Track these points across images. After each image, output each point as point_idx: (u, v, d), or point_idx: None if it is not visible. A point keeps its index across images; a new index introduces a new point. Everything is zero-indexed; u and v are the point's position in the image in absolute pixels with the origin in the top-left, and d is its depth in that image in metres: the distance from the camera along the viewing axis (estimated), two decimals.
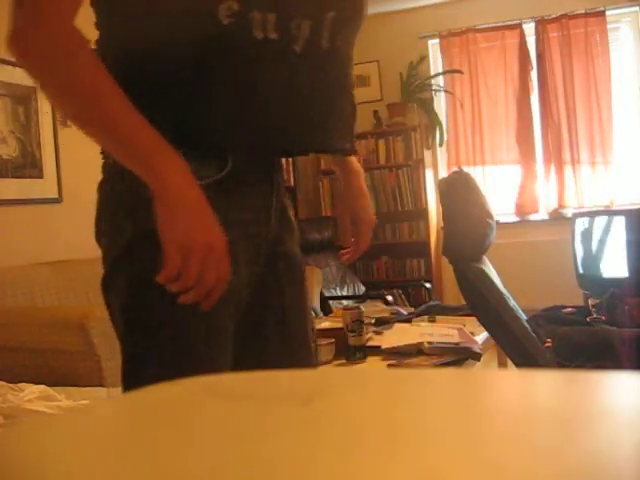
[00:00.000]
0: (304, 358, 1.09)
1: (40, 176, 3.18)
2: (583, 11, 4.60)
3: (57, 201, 3.26)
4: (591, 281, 3.78)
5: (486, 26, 4.86)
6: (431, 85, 5.22)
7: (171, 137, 0.87)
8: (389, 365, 2.05)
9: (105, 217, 1.08)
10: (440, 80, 5.22)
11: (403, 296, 5.09)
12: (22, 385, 2.13)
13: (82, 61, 0.89)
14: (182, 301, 0.85)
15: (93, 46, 0.99)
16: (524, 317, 2.18)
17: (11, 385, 2.14)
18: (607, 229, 3.74)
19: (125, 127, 0.87)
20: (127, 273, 0.97)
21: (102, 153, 1.07)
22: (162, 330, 0.95)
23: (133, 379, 0.97)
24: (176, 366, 0.93)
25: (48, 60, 0.88)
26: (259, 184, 1.01)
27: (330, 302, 4.46)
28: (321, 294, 4.10)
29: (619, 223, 3.56)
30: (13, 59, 0.89)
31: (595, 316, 2.99)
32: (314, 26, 0.91)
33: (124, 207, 1.01)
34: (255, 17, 0.87)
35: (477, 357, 2.16)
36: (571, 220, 4.05)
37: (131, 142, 0.87)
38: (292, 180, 5.06)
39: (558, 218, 4.74)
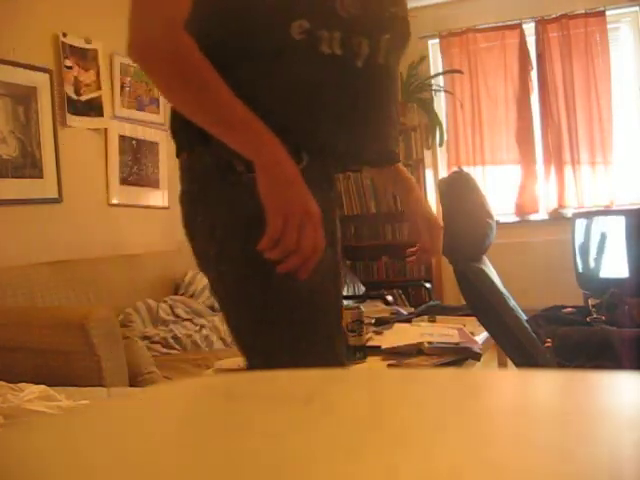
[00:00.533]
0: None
1: (40, 176, 3.17)
2: (583, 11, 4.60)
3: (57, 201, 3.26)
4: (591, 281, 3.78)
5: (486, 26, 4.86)
6: (431, 85, 5.22)
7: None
8: (389, 365, 2.05)
9: (199, 206, 1.07)
10: (440, 80, 5.22)
11: (403, 296, 5.09)
12: (22, 385, 2.13)
13: (193, 60, 0.97)
14: (281, 269, 0.93)
15: None
16: (524, 317, 2.18)
17: (11, 385, 2.14)
18: (607, 229, 3.74)
19: (233, 113, 0.95)
20: (237, 255, 1.02)
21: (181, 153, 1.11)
22: (276, 299, 1.01)
23: (256, 343, 1.04)
24: (295, 331, 1.01)
25: (166, 62, 0.99)
26: (321, 185, 1.09)
27: None
28: None
29: (619, 223, 3.56)
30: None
31: (595, 316, 2.99)
32: (372, 45, 1.03)
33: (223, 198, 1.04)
34: (323, 35, 0.99)
35: (477, 357, 2.15)
36: (571, 220, 4.05)
37: (238, 123, 0.95)
38: None
39: (558, 218, 4.74)
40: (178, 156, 1.10)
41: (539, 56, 4.73)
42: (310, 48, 0.99)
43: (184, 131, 1.05)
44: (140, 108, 3.86)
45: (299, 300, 1.01)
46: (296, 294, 1.00)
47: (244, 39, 1.01)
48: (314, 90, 1.02)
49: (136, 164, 3.81)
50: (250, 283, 1.01)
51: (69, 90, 3.34)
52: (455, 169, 2.43)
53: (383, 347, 2.19)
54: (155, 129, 3.97)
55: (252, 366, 1.05)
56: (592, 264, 3.80)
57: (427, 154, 5.22)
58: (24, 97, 3.11)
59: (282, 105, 1.01)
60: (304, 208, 0.94)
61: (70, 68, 3.36)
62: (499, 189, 4.86)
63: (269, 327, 1.02)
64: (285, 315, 1.01)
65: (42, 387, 2.07)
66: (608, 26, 4.62)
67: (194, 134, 1.00)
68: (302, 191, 0.95)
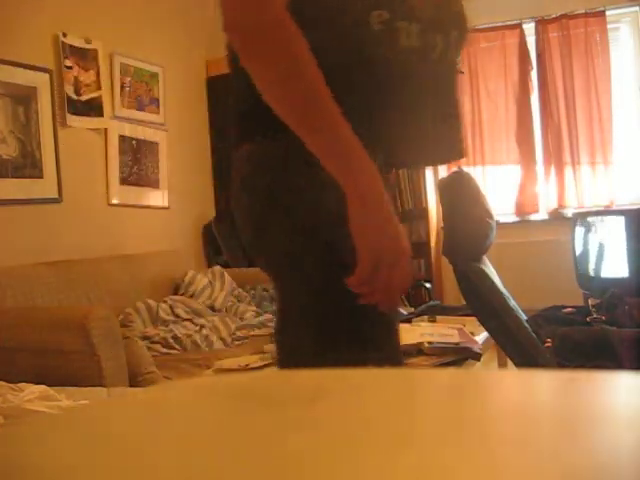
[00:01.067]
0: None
1: (40, 176, 3.17)
2: (583, 11, 4.59)
3: (57, 201, 3.26)
4: (591, 281, 3.78)
5: (486, 26, 4.86)
6: None
7: None
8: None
9: (270, 205, 1.03)
10: None
11: (403, 296, 5.08)
12: (22, 385, 2.13)
13: (297, 47, 0.90)
14: (364, 302, 0.88)
15: None
16: (524, 317, 2.18)
17: (11, 385, 2.14)
18: (607, 229, 3.74)
19: (330, 122, 0.89)
20: (316, 256, 0.97)
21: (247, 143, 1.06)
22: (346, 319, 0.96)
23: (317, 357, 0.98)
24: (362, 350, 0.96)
25: (268, 44, 0.91)
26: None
27: None
28: None
29: (619, 223, 3.56)
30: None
31: (595, 316, 2.99)
32: (444, 39, 1.03)
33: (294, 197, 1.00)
34: (401, 26, 0.98)
35: (477, 357, 2.15)
36: (571, 220, 4.05)
37: (334, 136, 0.89)
38: None
39: (558, 218, 4.74)
40: (239, 147, 1.05)
41: (539, 56, 4.73)
42: (389, 39, 0.98)
43: (252, 119, 1.01)
44: (140, 108, 3.86)
45: (373, 311, 0.96)
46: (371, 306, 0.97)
47: (323, 28, 0.97)
48: (395, 82, 1.00)
49: (136, 164, 3.81)
50: (322, 285, 0.96)
51: (69, 90, 3.34)
52: (455, 169, 2.43)
53: None
54: (155, 129, 3.97)
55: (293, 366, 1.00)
56: (592, 264, 3.80)
57: None
58: (24, 97, 3.11)
59: (362, 96, 0.98)
60: (398, 247, 0.89)
61: (70, 68, 3.36)
62: (499, 189, 4.86)
63: (336, 334, 0.97)
64: (357, 324, 0.97)
65: (42, 387, 2.07)
66: (608, 26, 4.61)
67: (265, 123, 0.96)
68: (397, 227, 0.90)
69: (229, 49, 1.04)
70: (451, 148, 1.12)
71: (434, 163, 1.20)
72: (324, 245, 0.95)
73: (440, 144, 1.08)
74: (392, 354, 1.01)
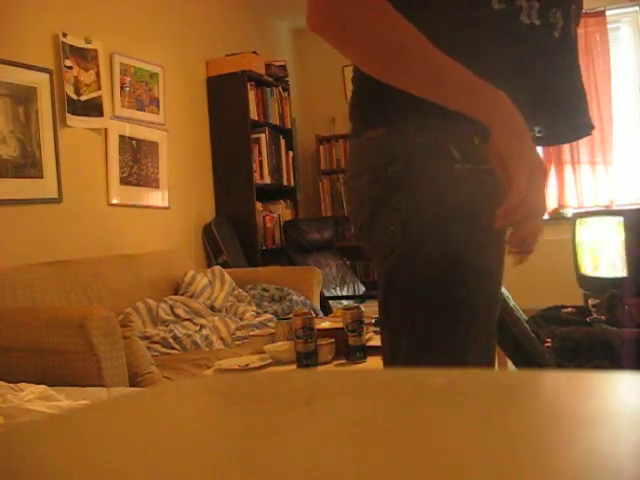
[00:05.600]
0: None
1: (40, 176, 3.17)
2: (583, 11, 4.59)
3: (57, 201, 3.26)
4: (591, 281, 3.78)
5: None
6: None
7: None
8: None
9: (384, 200, 0.98)
10: None
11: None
12: (22, 385, 2.13)
13: (394, 17, 0.89)
14: (513, 247, 0.87)
15: None
16: (524, 317, 2.18)
17: (11, 385, 2.14)
18: (607, 229, 3.74)
19: (449, 66, 0.87)
20: (435, 252, 0.93)
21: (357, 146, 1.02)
22: (469, 309, 0.94)
23: (422, 351, 0.96)
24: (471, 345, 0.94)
25: (369, 24, 0.89)
26: None
27: (330, 302, 4.46)
28: (321, 294, 4.10)
29: (619, 223, 3.56)
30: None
31: (595, 316, 2.99)
32: (565, 16, 1.00)
33: (415, 188, 0.95)
34: (522, 4, 0.95)
35: None
36: (571, 220, 4.05)
37: (460, 79, 0.87)
38: (292, 180, 5.07)
39: (558, 218, 4.74)
40: (362, 134, 1.00)
41: None
42: (509, 18, 0.95)
43: (378, 105, 0.97)
44: (140, 108, 3.86)
45: (487, 308, 0.95)
46: (486, 301, 0.95)
47: (441, 10, 0.95)
48: (515, 62, 0.97)
49: (136, 164, 3.81)
50: (439, 283, 0.92)
51: (69, 90, 3.34)
52: None
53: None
54: (155, 129, 3.97)
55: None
56: (592, 264, 3.80)
57: None
58: (24, 97, 3.11)
59: (481, 77, 0.93)
60: (544, 167, 0.87)
61: (70, 68, 3.36)
62: None
63: (449, 333, 0.94)
64: (470, 322, 0.94)
65: (42, 387, 2.07)
66: (608, 26, 4.62)
67: (394, 108, 0.93)
68: (537, 152, 0.88)
69: None
70: (576, 126, 1.08)
71: (564, 141, 1.16)
72: (443, 241, 0.92)
73: (568, 121, 1.05)
74: (483, 357, 0.97)
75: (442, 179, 0.93)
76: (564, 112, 1.03)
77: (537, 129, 1.03)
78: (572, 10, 1.03)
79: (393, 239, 0.95)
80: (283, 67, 5.01)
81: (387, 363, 1.01)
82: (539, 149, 0.95)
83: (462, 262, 0.91)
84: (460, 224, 0.91)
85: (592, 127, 1.10)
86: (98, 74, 3.54)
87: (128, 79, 3.78)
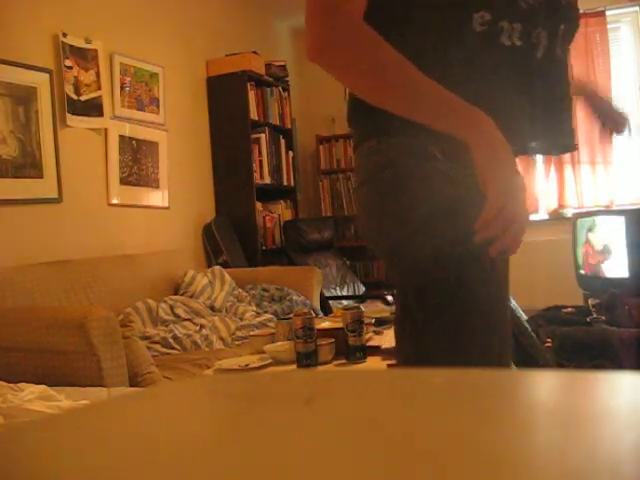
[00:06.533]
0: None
1: (40, 176, 3.17)
2: (583, 11, 4.60)
3: (57, 201, 3.26)
4: (591, 281, 3.78)
5: None
6: None
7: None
8: (389, 365, 2.05)
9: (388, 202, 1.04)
10: None
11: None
12: (22, 385, 2.13)
13: (376, 45, 0.94)
14: (492, 252, 0.90)
15: None
16: (524, 317, 2.18)
17: (11, 385, 2.14)
18: (607, 229, 3.74)
19: (428, 88, 0.92)
20: (428, 250, 0.98)
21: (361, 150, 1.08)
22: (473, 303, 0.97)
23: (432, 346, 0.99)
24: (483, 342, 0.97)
25: (355, 53, 0.95)
26: None
27: (330, 302, 4.46)
28: (321, 294, 4.10)
29: (619, 223, 3.56)
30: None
31: (595, 316, 2.99)
32: (550, 36, 1.02)
33: (411, 192, 1.01)
34: (504, 26, 0.98)
35: None
36: (571, 220, 4.05)
37: (438, 99, 0.92)
38: (292, 180, 5.07)
39: (558, 218, 4.74)
40: (360, 145, 1.07)
41: None
42: (490, 39, 0.98)
43: (370, 118, 1.03)
44: (140, 108, 3.86)
45: (488, 305, 0.98)
46: (486, 298, 0.98)
47: (425, 31, 0.99)
48: (494, 82, 1.00)
49: (136, 164, 3.81)
50: (439, 279, 0.96)
51: (69, 90, 3.34)
52: None
53: (383, 347, 2.19)
54: (155, 129, 3.97)
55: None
56: (592, 264, 3.80)
57: None
58: (24, 97, 3.11)
59: (462, 96, 0.97)
60: (521, 187, 0.91)
61: (70, 68, 3.36)
62: None
63: (450, 330, 0.97)
64: (470, 318, 0.97)
65: (42, 387, 2.07)
66: (608, 26, 4.62)
67: (383, 120, 0.98)
68: (515, 168, 0.92)
69: None
70: (560, 140, 1.11)
71: (552, 154, 1.20)
72: (439, 237, 0.96)
73: (549, 136, 1.07)
74: (498, 352, 1.00)
75: (429, 179, 0.98)
76: (544, 133, 1.06)
77: (533, 143, 1.08)
78: (561, 29, 1.04)
79: (394, 241, 1.01)
80: (283, 67, 5.01)
81: (401, 362, 1.05)
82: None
83: (458, 258, 0.94)
84: (450, 220, 0.95)
85: (575, 147, 1.14)
86: (98, 74, 3.54)
87: (128, 79, 3.78)
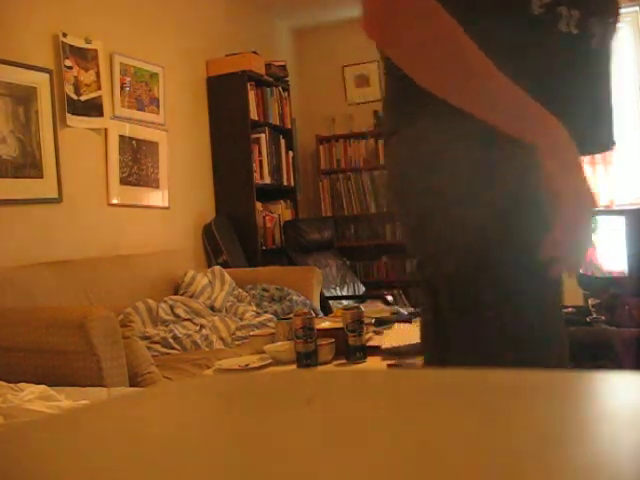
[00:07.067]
0: None
1: (40, 176, 3.17)
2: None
3: (57, 201, 3.26)
4: (591, 281, 3.78)
5: None
6: None
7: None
8: (389, 365, 2.05)
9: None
10: None
11: (403, 296, 5.09)
12: (22, 385, 2.13)
13: (454, 33, 0.86)
14: (555, 273, 0.84)
15: None
16: None
17: (11, 385, 2.14)
18: (607, 229, 3.74)
19: (502, 87, 0.85)
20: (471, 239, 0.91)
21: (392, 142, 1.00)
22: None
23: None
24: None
25: (421, 30, 0.87)
26: None
27: (330, 302, 4.46)
28: (321, 294, 4.10)
29: (619, 223, 3.56)
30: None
31: (595, 316, 2.99)
32: (604, 26, 0.99)
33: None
34: (562, 12, 0.93)
35: None
36: None
37: (512, 102, 0.86)
38: (292, 180, 5.07)
39: None
40: (398, 130, 0.99)
41: None
42: (548, 25, 0.93)
43: (416, 101, 0.94)
44: (140, 108, 3.86)
45: (538, 321, 0.91)
46: (541, 303, 0.91)
47: (478, 10, 0.92)
48: (548, 72, 0.95)
49: (136, 164, 3.81)
50: (486, 286, 0.90)
51: (69, 90, 3.34)
52: None
53: (383, 347, 2.19)
54: (155, 129, 3.97)
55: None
56: (592, 264, 3.80)
57: None
58: (24, 97, 3.11)
59: (515, 81, 0.90)
60: (593, 197, 0.84)
61: (70, 68, 3.36)
62: None
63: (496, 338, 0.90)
64: (517, 341, 0.90)
65: (42, 387, 2.07)
66: None
67: (432, 103, 0.90)
68: (588, 182, 0.85)
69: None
70: (602, 138, 1.05)
71: (588, 153, 1.09)
72: (492, 241, 0.90)
73: (593, 134, 1.02)
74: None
75: (474, 164, 0.91)
76: (585, 127, 0.99)
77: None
78: (609, 22, 1.02)
79: (434, 232, 0.94)
80: (283, 67, 5.01)
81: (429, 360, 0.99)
82: None
83: (509, 267, 0.88)
84: (506, 221, 0.89)
85: (613, 144, 1.07)
86: (98, 74, 3.54)
87: (128, 79, 3.78)
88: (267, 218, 4.76)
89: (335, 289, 4.78)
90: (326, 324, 2.46)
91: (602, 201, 4.65)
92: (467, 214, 0.91)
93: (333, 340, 2.17)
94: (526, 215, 0.88)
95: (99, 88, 3.54)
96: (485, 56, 0.84)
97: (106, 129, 3.60)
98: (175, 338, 3.08)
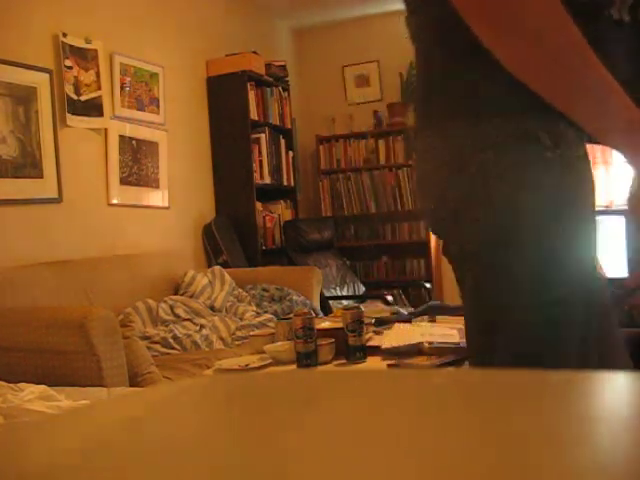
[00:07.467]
0: None
1: (40, 176, 3.17)
2: None
3: (57, 201, 3.26)
4: None
5: None
6: None
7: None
8: (389, 365, 2.05)
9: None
10: None
11: (403, 296, 5.09)
12: (22, 385, 2.13)
13: (563, 18, 0.80)
14: (634, 304, 0.78)
15: None
16: None
17: (11, 385, 2.14)
18: (607, 229, 3.74)
19: (604, 82, 0.80)
20: (532, 248, 0.85)
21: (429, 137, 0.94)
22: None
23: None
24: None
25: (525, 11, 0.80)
26: None
27: (330, 302, 4.46)
28: (321, 294, 4.10)
29: (619, 223, 3.56)
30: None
31: None
32: None
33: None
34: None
35: None
36: None
37: (604, 81, 0.80)
38: (292, 180, 5.07)
39: None
40: (440, 124, 0.93)
41: None
42: (599, 10, 0.88)
43: (466, 94, 0.89)
44: (140, 108, 3.87)
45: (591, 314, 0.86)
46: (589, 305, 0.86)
47: None
48: (599, 57, 0.88)
49: (136, 164, 3.81)
50: (537, 285, 0.84)
51: (69, 90, 3.34)
52: None
53: (383, 347, 2.19)
54: (155, 129, 3.97)
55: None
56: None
57: None
58: (24, 97, 3.11)
59: None
60: None
61: (70, 68, 3.36)
62: None
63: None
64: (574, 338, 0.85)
65: (42, 387, 2.08)
66: None
67: (487, 96, 0.86)
68: None
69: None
70: None
71: None
72: (540, 234, 0.85)
73: None
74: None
75: (534, 166, 0.86)
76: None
77: None
78: None
79: (483, 234, 0.89)
80: (283, 67, 5.02)
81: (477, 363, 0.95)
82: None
83: (560, 258, 0.83)
84: (554, 213, 0.84)
85: None
86: (98, 74, 3.54)
87: (128, 79, 3.78)
88: (267, 218, 4.77)
89: (335, 289, 4.78)
90: (326, 324, 2.46)
91: (602, 201, 4.65)
92: (510, 203, 0.86)
93: (333, 340, 2.17)
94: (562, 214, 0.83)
95: (99, 88, 3.54)
96: (591, 51, 0.79)
97: (106, 129, 3.60)
98: (175, 338, 3.08)
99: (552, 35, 0.80)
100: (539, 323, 0.84)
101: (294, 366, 2.11)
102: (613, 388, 0.41)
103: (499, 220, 0.87)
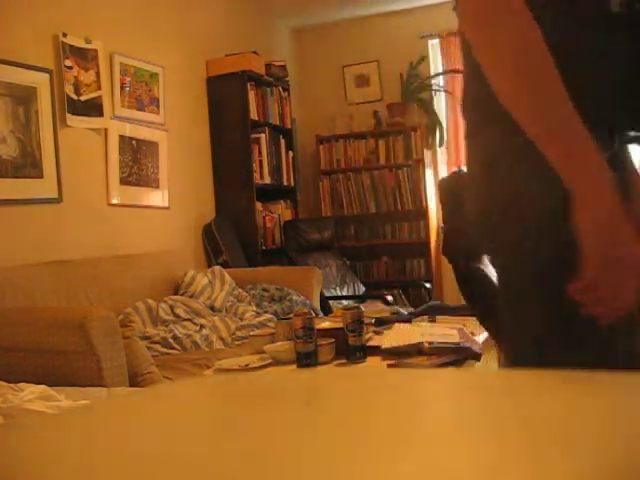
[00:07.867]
0: None
1: (40, 176, 3.17)
2: None
3: (57, 201, 3.26)
4: None
5: None
6: (431, 85, 5.22)
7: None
8: (389, 365, 2.05)
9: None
10: (440, 80, 5.22)
11: (403, 296, 5.09)
12: (22, 385, 2.13)
13: (533, 36, 0.84)
14: (584, 313, 0.81)
15: None
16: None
17: (11, 385, 2.14)
18: None
19: (565, 113, 0.83)
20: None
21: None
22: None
23: None
24: None
25: (503, 32, 0.86)
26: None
27: (330, 302, 4.46)
28: (321, 294, 4.10)
29: None
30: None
31: None
32: None
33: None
34: None
35: (477, 357, 2.15)
36: None
37: (567, 135, 0.83)
38: (292, 180, 5.07)
39: None
40: (479, 132, 0.98)
41: None
42: (629, 22, 0.89)
43: (496, 103, 0.91)
44: (140, 108, 3.87)
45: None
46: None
47: (558, 14, 0.89)
48: (598, 56, 0.90)
49: (136, 164, 3.81)
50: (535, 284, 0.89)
51: (69, 90, 3.34)
52: (455, 169, 2.42)
53: (383, 347, 2.19)
54: (155, 129, 3.97)
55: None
56: None
57: (427, 154, 5.23)
58: (24, 97, 3.11)
59: (595, 77, 0.89)
60: (630, 253, 0.81)
61: (70, 68, 3.36)
62: None
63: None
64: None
65: (42, 387, 2.07)
66: None
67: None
68: (628, 232, 0.81)
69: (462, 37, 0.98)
70: None
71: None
72: (546, 243, 0.89)
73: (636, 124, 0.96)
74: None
75: (541, 180, 0.89)
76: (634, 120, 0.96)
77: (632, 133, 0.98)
78: None
79: (506, 237, 0.94)
80: (283, 67, 5.01)
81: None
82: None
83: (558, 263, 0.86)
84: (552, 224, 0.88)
85: None
86: (98, 74, 3.54)
87: (128, 79, 3.78)
88: (267, 218, 4.77)
89: (335, 289, 4.78)
90: (326, 324, 2.46)
91: None
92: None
93: (333, 340, 2.17)
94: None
95: (99, 88, 3.54)
96: (559, 80, 0.82)
97: (106, 129, 3.60)
98: (175, 338, 3.08)
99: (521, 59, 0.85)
100: None
101: (294, 366, 2.11)
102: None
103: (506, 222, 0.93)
